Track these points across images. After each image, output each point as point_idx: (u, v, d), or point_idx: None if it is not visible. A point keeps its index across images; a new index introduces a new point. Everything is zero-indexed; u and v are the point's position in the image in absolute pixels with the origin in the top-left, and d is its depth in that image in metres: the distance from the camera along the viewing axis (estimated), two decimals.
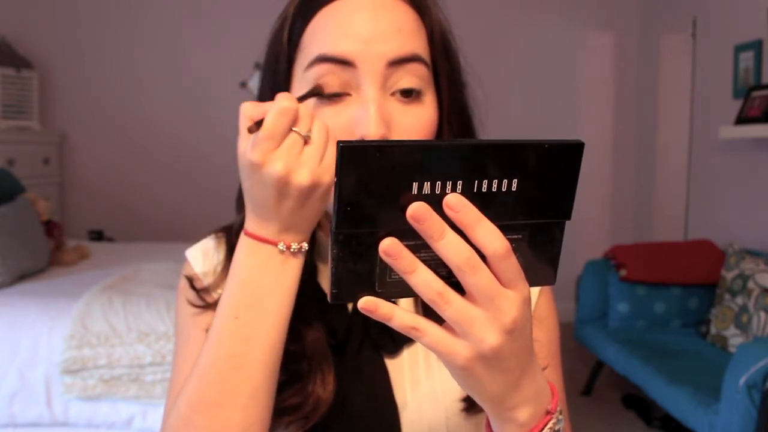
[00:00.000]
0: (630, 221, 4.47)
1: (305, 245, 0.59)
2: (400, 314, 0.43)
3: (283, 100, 0.54)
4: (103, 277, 2.65)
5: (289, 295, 0.60)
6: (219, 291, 0.70)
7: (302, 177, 0.54)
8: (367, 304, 0.43)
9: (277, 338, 0.59)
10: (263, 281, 0.58)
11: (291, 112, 0.54)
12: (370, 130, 0.58)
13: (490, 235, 0.41)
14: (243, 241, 0.59)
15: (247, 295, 0.58)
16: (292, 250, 0.59)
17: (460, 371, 0.45)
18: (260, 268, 0.58)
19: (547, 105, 4.38)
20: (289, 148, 0.54)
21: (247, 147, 0.55)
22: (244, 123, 0.55)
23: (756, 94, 2.97)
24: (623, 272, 3.11)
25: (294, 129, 0.55)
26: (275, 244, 0.58)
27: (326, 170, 0.55)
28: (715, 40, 3.46)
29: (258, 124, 0.54)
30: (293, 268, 0.59)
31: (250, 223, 0.59)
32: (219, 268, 0.72)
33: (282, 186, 0.55)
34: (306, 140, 0.55)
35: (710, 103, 3.53)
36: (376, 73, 0.60)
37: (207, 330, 0.68)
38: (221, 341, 0.58)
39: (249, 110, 0.56)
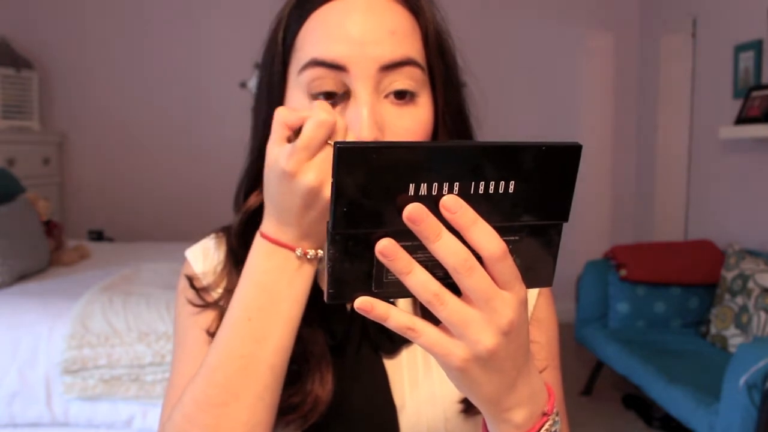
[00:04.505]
0: (630, 221, 4.47)
1: (321, 252, 0.60)
2: (396, 314, 0.43)
3: (321, 112, 0.54)
4: (103, 277, 2.65)
5: (302, 300, 0.60)
6: (219, 290, 0.70)
7: None
8: (363, 304, 0.43)
9: (287, 341, 0.59)
10: (278, 285, 0.59)
11: (329, 125, 0.54)
12: (363, 133, 0.58)
13: (487, 237, 0.41)
14: (259, 244, 0.60)
15: (261, 298, 0.58)
16: (308, 256, 0.59)
17: (456, 372, 0.45)
18: (276, 271, 0.59)
19: (547, 105, 4.38)
20: (323, 161, 0.55)
21: (281, 154, 0.55)
22: (279, 128, 0.56)
23: (756, 94, 2.97)
24: (623, 272, 3.11)
25: (329, 142, 0.55)
26: (293, 250, 0.59)
27: None
28: (715, 40, 3.46)
29: (295, 132, 0.54)
30: (307, 274, 0.60)
31: (269, 227, 0.59)
32: (219, 268, 0.72)
33: (311, 197, 0.55)
34: None
35: (710, 103, 3.53)
36: (368, 77, 0.59)
37: (207, 330, 0.68)
38: (231, 342, 0.58)
39: (284, 116, 0.56)
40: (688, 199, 3.80)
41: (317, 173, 0.54)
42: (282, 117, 0.56)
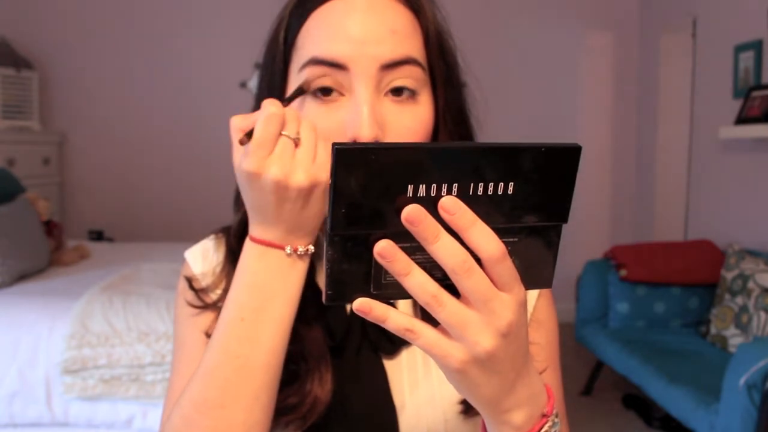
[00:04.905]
0: (630, 221, 4.47)
1: (311, 247, 0.60)
2: (394, 316, 0.43)
3: (269, 106, 0.55)
4: (103, 277, 2.65)
5: (295, 298, 0.60)
6: (218, 291, 0.70)
7: (299, 178, 0.55)
8: (362, 305, 0.43)
9: (281, 340, 0.59)
10: (270, 285, 0.58)
11: (278, 117, 0.54)
12: (363, 132, 0.58)
13: (485, 238, 0.41)
14: (249, 247, 0.59)
15: (254, 299, 0.58)
16: (299, 252, 0.59)
17: (455, 374, 0.45)
18: (268, 272, 0.58)
19: (547, 105, 4.38)
20: (282, 153, 0.55)
21: (241, 158, 0.56)
22: (236, 136, 0.56)
23: (756, 94, 2.97)
24: (623, 272, 3.10)
25: (283, 133, 0.55)
26: (282, 248, 0.58)
27: (320, 168, 0.56)
28: (715, 40, 3.46)
29: (248, 134, 0.55)
30: (299, 271, 0.60)
31: (255, 230, 0.59)
32: (218, 269, 0.71)
33: (281, 190, 0.55)
34: (296, 142, 0.56)
35: (710, 103, 3.53)
36: (369, 76, 0.59)
37: (205, 331, 0.68)
38: (226, 343, 0.58)
39: (238, 123, 0.56)
40: (688, 199, 3.80)
41: (280, 166, 0.54)
42: (235, 124, 0.57)
